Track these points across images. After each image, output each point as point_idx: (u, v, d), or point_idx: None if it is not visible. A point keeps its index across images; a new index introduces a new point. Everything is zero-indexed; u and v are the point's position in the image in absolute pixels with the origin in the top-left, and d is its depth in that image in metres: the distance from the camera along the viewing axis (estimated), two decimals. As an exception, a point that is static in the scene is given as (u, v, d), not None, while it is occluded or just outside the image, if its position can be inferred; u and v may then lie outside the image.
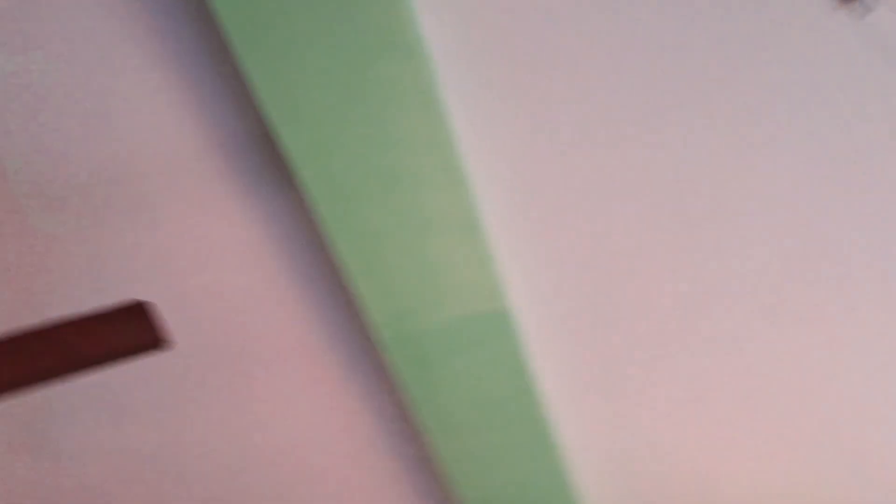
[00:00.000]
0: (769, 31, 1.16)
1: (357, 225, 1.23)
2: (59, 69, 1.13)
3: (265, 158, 1.25)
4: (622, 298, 1.43)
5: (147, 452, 1.65)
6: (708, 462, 1.70)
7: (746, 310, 1.45)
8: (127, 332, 1.11)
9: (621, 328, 1.48)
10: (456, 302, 1.30)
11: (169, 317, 1.38)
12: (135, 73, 1.14)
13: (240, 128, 1.21)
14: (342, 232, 1.24)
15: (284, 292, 1.37)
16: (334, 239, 1.25)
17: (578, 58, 1.18)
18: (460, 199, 1.22)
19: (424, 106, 1.13)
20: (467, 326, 1.32)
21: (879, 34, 1.15)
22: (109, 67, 1.13)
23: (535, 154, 1.27)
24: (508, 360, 1.37)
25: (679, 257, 1.38)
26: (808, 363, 1.54)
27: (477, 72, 1.19)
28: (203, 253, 1.33)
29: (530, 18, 1.15)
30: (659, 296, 1.43)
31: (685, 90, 1.21)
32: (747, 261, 1.39)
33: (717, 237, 1.36)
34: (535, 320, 1.46)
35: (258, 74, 1.07)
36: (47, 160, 1.22)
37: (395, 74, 1.10)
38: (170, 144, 1.22)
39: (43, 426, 1.64)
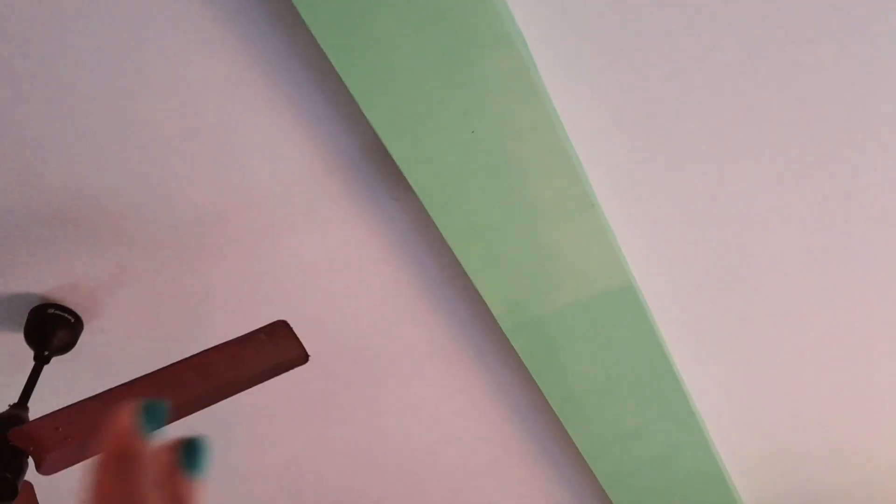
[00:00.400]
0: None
1: (471, 221, 1.24)
2: (184, 114, 1.18)
3: (379, 169, 1.27)
4: (742, 262, 1.40)
5: (289, 464, 1.72)
6: (841, 420, 1.65)
7: (870, 270, 1.40)
8: (273, 351, 1.15)
9: (743, 291, 1.44)
10: (578, 283, 1.30)
11: (305, 331, 1.43)
12: (251, 109, 1.18)
13: (352, 143, 1.24)
14: (457, 229, 1.25)
15: (410, 295, 1.40)
16: (450, 237, 1.26)
17: (674, 28, 1.15)
18: (571, 181, 1.21)
19: (525, 95, 1.13)
20: (592, 306, 1.32)
21: None
22: (227, 107, 1.18)
23: (640, 126, 1.25)
24: (638, 333, 1.35)
25: (798, 217, 1.34)
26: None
27: (572, 54, 1.18)
28: (330, 266, 1.37)
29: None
30: (778, 258, 1.39)
31: (793, 46, 1.17)
32: (875, 218, 1.34)
33: (839, 197, 1.31)
34: (655, 292, 1.44)
35: (360, 89, 1.09)
36: (178, 198, 1.28)
37: (492, 68, 1.10)
38: (289, 170, 1.25)
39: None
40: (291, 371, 1.46)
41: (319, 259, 1.36)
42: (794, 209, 1.34)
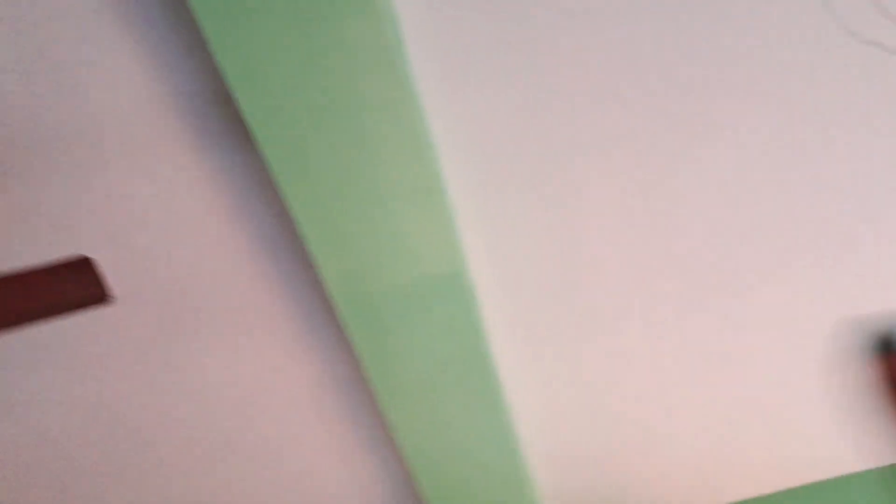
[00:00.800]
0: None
1: (314, 187, 1.22)
2: (23, 33, 1.09)
3: (223, 117, 1.22)
4: (579, 267, 1.45)
5: (97, 405, 1.64)
6: (653, 425, 1.75)
7: (698, 279, 1.48)
8: (70, 286, 1.09)
9: (577, 294, 1.49)
10: (412, 264, 1.30)
11: (119, 271, 1.36)
12: (86, 24, 1.10)
13: (197, 85, 1.18)
14: (299, 194, 1.23)
15: (240, 250, 1.36)
16: (290, 199, 1.23)
17: (548, 22, 1.17)
18: (421, 163, 1.21)
19: (387, 68, 1.11)
20: (423, 289, 1.33)
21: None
22: (59, 17, 1.09)
23: (501, 119, 1.27)
24: (463, 322, 1.37)
25: (638, 226, 1.40)
26: (741, 340, 1.59)
27: (444, 33, 1.18)
28: (160, 209, 1.31)
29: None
30: (615, 264, 1.45)
31: (655, 65, 1.21)
32: (701, 234, 1.42)
33: (672, 209, 1.38)
34: (491, 284, 1.47)
35: (214, 29, 1.04)
36: (4, 115, 1.18)
37: (357, 35, 1.08)
38: (124, 99, 1.18)
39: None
40: (109, 309, 1.40)
41: (149, 199, 1.30)
42: (642, 220, 1.40)
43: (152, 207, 1.31)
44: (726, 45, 1.21)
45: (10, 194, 1.28)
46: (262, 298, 1.42)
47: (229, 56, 1.08)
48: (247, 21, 1.04)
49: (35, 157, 1.24)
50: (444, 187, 1.31)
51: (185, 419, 1.63)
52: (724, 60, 1.23)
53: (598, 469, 1.83)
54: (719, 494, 1.89)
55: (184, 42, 1.14)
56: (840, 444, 1.81)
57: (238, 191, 1.30)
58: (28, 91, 1.17)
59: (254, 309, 1.44)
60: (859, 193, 1.38)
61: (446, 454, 1.58)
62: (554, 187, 1.35)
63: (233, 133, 1.24)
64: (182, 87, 1.18)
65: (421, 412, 1.50)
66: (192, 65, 1.16)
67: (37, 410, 1.67)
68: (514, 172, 1.34)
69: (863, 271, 1.50)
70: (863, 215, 1.41)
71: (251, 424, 1.62)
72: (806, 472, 1.87)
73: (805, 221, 1.42)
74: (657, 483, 1.87)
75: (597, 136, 1.29)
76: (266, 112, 1.13)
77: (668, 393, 1.68)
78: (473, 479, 1.62)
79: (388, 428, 1.59)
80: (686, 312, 1.55)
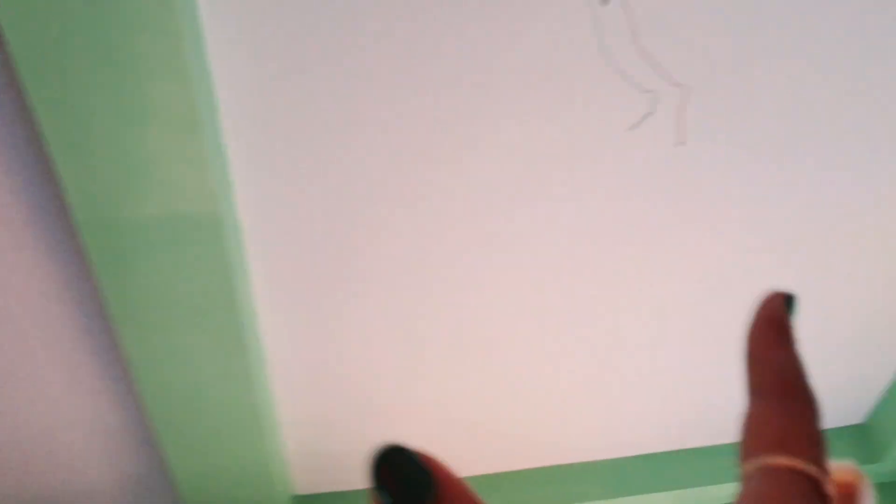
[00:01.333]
0: None
1: (65, 98, 1.14)
2: None
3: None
4: (352, 221, 1.45)
5: None
6: (410, 394, 1.79)
7: (475, 243, 1.51)
8: None
9: (345, 250, 1.50)
10: (163, 198, 1.25)
11: None
12: None
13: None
14: (48, 103, 1.14)
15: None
16: (40, 109, 1.15)
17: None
18: (183, 93, 1.16)
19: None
20: (173, 225, 1.28)
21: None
22: None
23: (283, 62, 1.24)
24: (213, 265, 1.34)
25: (415, 186, 1.40)
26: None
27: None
28: None
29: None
30: (388, 225, 1.45)
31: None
32: (482, 188, 1.45)
33: (454, 168, 1.40)
34: (255, 230, 1.44)
35: None
36: None
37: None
38: None
39: None
40: None
41: None
42: (415, 177, 1.40)
43: None
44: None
45: None
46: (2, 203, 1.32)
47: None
48: None
49: None
50: (213, 122, 1.27)
51: None
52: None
53: (351, 431, 1.86)
54: (478, 465, 1.96)
55: None
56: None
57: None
58: None
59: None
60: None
61: (185, 398, 1.55)
62: (342, 138, 1.34)
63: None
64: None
65: (160, 351, 1.46)
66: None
67: None
68: (300, 119, 1.31)
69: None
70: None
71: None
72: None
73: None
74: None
75: (389, 96, 1.29)
76: (18, 13, 1.05)
77: (430, 364, 1.73)
78: (212, 425, 1.60)
79: (127, 363, 1.53)
80: (464, 282, 1.57)
